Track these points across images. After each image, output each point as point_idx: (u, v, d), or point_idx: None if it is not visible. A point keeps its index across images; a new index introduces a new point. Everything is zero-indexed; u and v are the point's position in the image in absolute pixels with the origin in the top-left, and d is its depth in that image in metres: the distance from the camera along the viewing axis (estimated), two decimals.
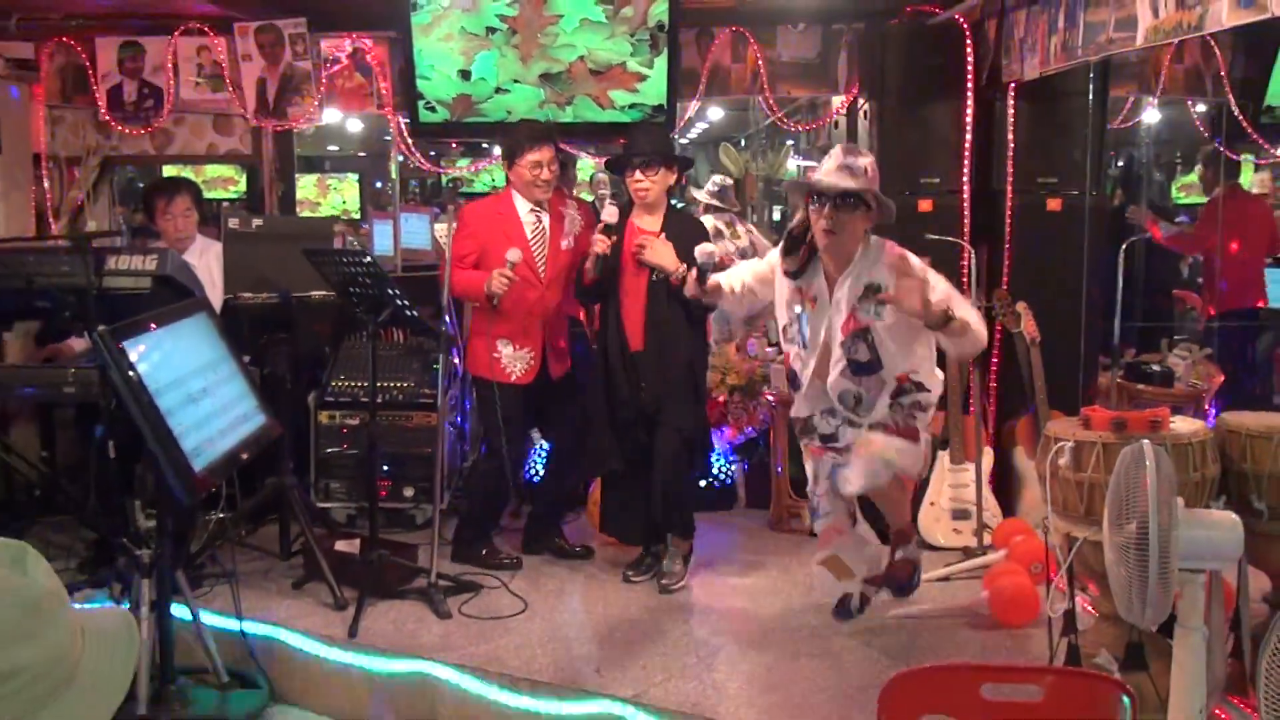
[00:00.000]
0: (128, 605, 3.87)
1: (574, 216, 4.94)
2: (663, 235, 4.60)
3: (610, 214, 4.63)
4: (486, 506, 5.15)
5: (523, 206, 4.88)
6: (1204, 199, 7.33)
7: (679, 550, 4.77)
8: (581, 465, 5.13)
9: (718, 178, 6.72)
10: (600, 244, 4.58)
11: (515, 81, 5.90)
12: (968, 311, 3.74)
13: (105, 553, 4.62)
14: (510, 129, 5.16)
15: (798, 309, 4.01)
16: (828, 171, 3.80)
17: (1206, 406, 5.61)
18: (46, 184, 6.44)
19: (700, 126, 10.79)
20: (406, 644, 4.20)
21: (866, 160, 3.83)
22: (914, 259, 3.78)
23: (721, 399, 5.50)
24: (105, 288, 4.52)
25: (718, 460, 5.73)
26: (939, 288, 3.72)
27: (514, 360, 4.87)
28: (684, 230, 4.62)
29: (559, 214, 4.91)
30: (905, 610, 4.44)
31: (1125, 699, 2.37)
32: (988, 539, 4.95)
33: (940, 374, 4.04)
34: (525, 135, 4.88)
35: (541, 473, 5.46)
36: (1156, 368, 5.75)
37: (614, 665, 4.01)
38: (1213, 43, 5.88)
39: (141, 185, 8.87)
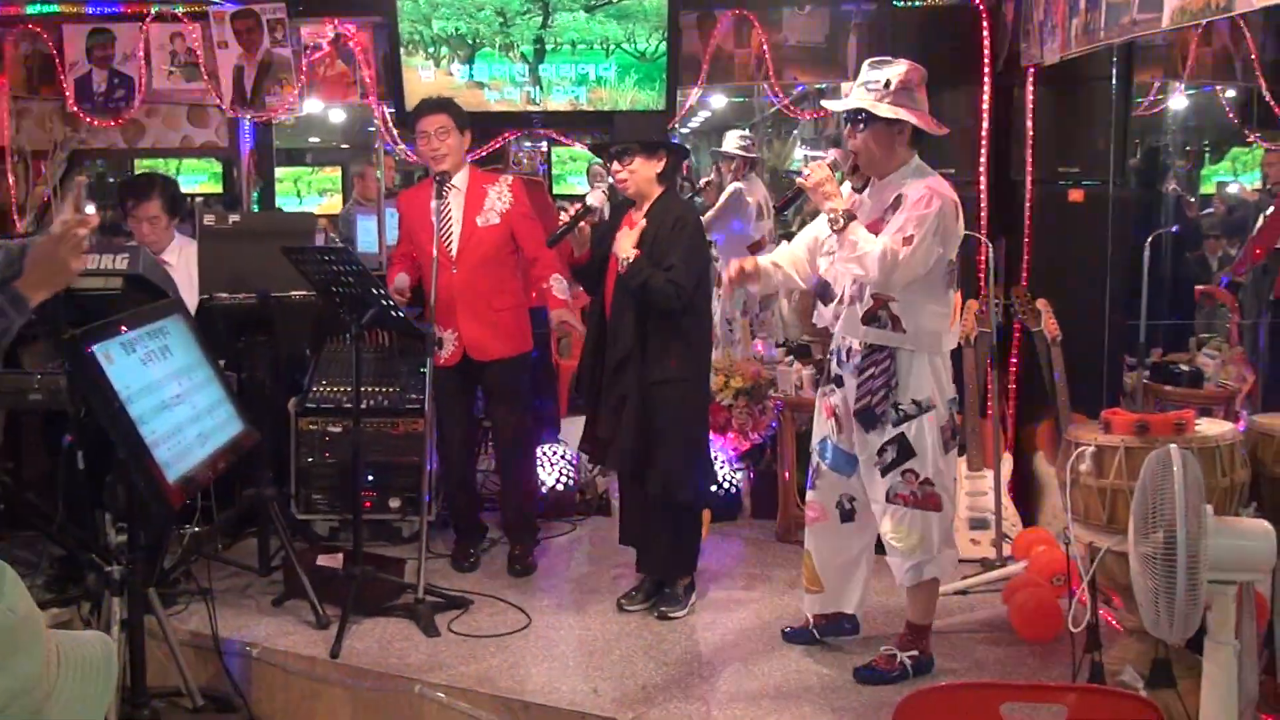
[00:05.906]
0: (96, 625, 3.87)
1: (500, 193, 4.92)
2: (642, 225, 4.42)
3: (595, 197, 4.53)
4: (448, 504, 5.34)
5: (437, 187, 4.92)
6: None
7: (679, 583, 4.67)
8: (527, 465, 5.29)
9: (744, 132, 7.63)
10: (565, 213, 4.53)
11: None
12: (864, 236, 3.72)
13: (73, 569, 4.61)
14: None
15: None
16: (846, 93, 3.78)
17: (1238, 408, 5.59)
18: (11, 179, 6.45)
19: (703, 115, 10.80)
20: (392, 664, 4.20)
21: (888, 72, 3.79)
22: (916, 194, 3.75)
23: (725, 404, 5.44)
24: (73, 288, 4.51)
25: (721, 469, 5.69)
26: (899, 221, 3.70)
27: (444, 343, 4.94)
28: (664, 219, 4.42)
29: (481, 191, 4.92)
30: None
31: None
32: (1007, 550, 4.94)
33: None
34: (419, 108, 4.96)
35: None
36: (1185, 367, 5.72)
37: (612, 685, 4.00)
38: (1242, 24, 5.87)
39: (113, 180, 8.88)
